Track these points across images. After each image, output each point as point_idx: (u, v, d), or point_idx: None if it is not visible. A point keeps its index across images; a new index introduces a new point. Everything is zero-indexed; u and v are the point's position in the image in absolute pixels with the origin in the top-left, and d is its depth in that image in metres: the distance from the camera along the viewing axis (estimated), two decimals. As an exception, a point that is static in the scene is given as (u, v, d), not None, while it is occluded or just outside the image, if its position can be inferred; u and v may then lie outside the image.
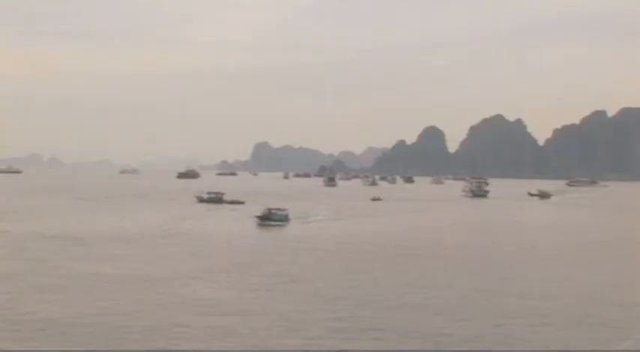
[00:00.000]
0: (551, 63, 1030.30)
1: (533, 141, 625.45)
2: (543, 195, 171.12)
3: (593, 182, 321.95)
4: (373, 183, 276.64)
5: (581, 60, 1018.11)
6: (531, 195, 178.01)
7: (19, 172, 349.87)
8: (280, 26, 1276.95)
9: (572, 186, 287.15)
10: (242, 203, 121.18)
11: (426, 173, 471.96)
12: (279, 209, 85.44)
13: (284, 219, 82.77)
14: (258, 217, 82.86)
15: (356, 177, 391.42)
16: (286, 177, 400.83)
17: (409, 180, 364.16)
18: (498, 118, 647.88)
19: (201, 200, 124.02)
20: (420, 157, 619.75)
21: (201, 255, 52.45)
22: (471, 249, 61.16)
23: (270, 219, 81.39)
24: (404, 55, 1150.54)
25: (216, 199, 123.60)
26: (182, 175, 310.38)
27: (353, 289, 38.81)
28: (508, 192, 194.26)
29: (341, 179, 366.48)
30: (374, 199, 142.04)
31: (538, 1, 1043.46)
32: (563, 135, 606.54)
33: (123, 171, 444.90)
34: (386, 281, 41.94)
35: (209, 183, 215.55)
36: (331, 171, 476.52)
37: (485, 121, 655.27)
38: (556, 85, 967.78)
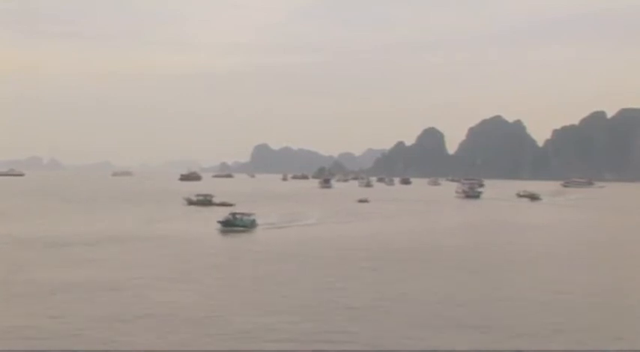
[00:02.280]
0: (550, 63, 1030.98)
1: (533, 142, 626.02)
2: (532, 197, 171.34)
3: (589, 183, 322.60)
4: (368, 185, 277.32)
5: (580, 60, 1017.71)
6: (520, 196, 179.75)
7: (21, 175, 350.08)
8: (279, 27, 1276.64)
9: (568, 186, 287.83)
10: (231, 205, 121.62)
11: (425, 174, 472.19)
12: (243, 213, 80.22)
13: (249, 224, 77.40)
14: (220, 222, 77.47)
15: (355, 178, 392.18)
16: (285, 178, 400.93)
17: (406, 181, 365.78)
18: (497, 119, 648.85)
19: (190, 202, 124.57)
20: (420, 158, 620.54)
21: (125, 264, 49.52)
22: (439, 252, 60.01)
23: (233, 224, 76.09)
24: (403, 55, 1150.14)
25: (205, 201, 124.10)
26: (185, 177, 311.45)
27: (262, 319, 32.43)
28: (502, 193, 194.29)
29: (338, 180, 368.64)
30: (360, 201, 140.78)
31: (537, 2, 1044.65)
32: (563, 135, 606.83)
33: (115, 174, 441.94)
34: (307, 302, 36.04)
35: (209, 185, 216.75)
36: (330, 172, 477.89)
37: (484, 122, 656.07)
38: (555, 85, 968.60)
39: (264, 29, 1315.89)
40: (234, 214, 78.57)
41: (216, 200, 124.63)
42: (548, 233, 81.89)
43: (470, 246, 65.20)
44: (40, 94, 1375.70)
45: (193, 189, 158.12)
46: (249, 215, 79.65)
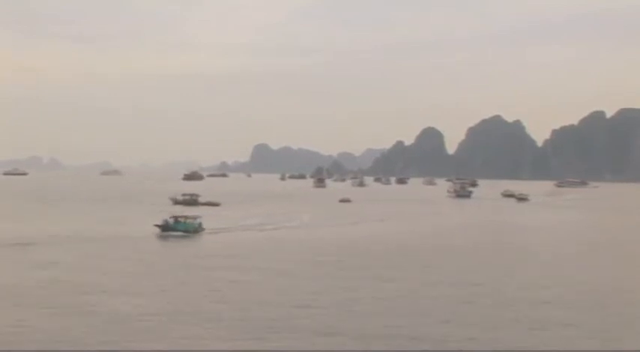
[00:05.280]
0: (550, 63, 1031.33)
1: (532, 142, 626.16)
2: (518, 197, 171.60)
3: (583, 183, 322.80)
4: (361, 184, 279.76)
5: (579, 60, 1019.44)
6: (505, 196, 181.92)
7: (25, 174, 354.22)
8: (279, 27, 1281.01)
9: (562, 187, 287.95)
10: (217, 205, 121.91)
11: (425, 174, 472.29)
12: (187, 216, 70.83)
13: (193, 228, 68.61)
14: (157, 226, 68.36)
15: (354, 178, 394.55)
16: (283, 178, 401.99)
17: (402, 181, 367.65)
18: (497, 119, 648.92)
19: (176, 202, 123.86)
20: (419, 158, 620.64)
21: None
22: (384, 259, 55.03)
23: (173, 228, 67.64)
24: (403, 55, 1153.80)
25: (190, 201, 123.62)
26: (188, 177, 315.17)
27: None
28: (494, 194, 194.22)
29: (335, 180, 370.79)
30: (342, 201, 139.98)
31: (537, 2, 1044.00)
32: (562, 135, 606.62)
33: (105, 173, 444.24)
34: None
35: (208, 184, 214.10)
36: (328, 172, 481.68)
37: (483, 122, 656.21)
38: (555, 85, 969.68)
39: (264, 29, 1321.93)
40: (175, 217, 69.94)
41: (202, 200, 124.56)
42: (527, 234, 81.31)
43: (431, 248, 62.96)
44: (40, 94, 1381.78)
45: (194, 189, 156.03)
46: (194, 218, 70.86)
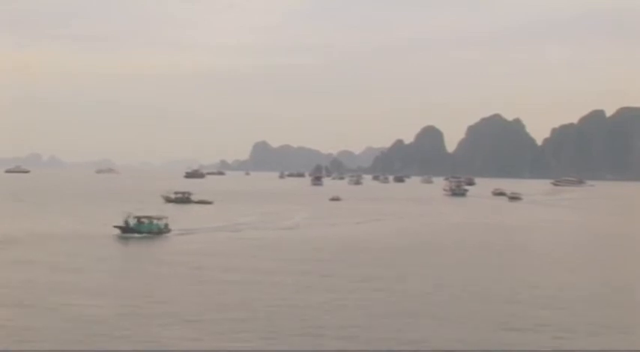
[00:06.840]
0: (550, 63, 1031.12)
1: (532, 140, 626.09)
2: (507, 195, 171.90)
3: (580, 181, 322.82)
4: (357, 183, 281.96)
5: (579, 59, 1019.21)
6: (495, 194, 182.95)
7: (27, 172, 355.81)
8: (280, 27, 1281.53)
9: (558, 185, 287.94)
10: (210, 203, 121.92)
11: (424, 172, 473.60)
12: (150, 217, 66.20)
13: (158, 229, 64.47)
14: (117, 227, 63.90)
15: (352, 176, 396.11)
16: (282, 176, 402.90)
17: (399, 179, 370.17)
18: (497, 118, 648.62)
19: (168, 200, 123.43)
20: (418, 157, 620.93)
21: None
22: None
23: (136, 230, 63.26)
24: (402, 54, 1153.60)
25: (183, 199, 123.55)
26: (189, 175, 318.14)
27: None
28: (489, 192, 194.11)
29: (334, 178, 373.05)
30: (332, 199, 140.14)
31: (537, 1, 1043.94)
32: (562, 134, 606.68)
33: (100, 171, 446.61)
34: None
35: (208, 183, 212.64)
36: (327, 170, 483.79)
37: (483, 121, 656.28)
38: (554, 84, 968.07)
39: (264, 30, 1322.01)
40: (138, 217, 65.26)
41: (194, 198, 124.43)
42: (508, 234, 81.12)
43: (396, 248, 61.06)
44: (41, 94, 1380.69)
45: (193, 187, 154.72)
46: (159, 218, 66.49)
